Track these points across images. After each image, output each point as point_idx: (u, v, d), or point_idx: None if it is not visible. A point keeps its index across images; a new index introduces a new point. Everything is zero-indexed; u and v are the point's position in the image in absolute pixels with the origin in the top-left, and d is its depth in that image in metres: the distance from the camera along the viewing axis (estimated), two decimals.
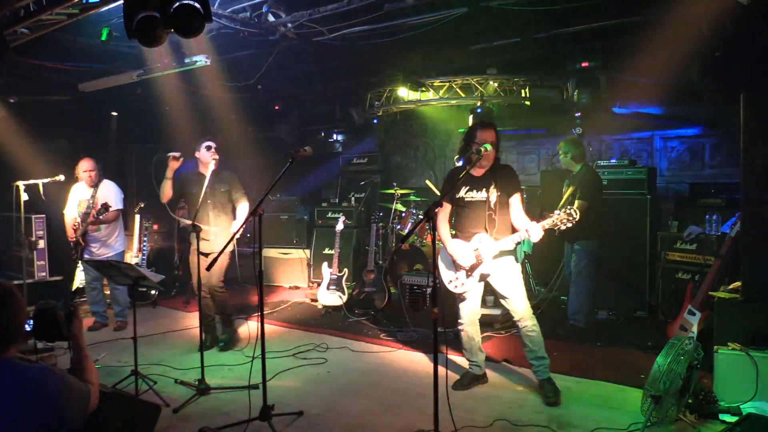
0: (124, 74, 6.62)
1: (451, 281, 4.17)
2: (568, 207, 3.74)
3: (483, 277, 4.05)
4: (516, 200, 4.02)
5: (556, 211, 3.76)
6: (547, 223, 3.78)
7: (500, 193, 4.00)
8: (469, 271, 4.05)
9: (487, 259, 3.97)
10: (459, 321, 4.29)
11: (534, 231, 3.76)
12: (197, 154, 5.23)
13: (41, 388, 1.92)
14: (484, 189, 4.03)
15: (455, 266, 4.12)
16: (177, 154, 5.04)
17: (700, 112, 6.77)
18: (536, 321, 4.05)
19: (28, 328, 2.25)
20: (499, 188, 4.00)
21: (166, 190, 5.11)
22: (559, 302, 6.20)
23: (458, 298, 4.24)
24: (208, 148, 5.16)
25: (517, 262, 4.10)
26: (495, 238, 3.96)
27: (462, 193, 4.12)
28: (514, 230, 3.98)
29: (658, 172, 6.92)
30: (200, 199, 4.89)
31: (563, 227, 3.76)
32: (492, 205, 3.99)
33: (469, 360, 4.38)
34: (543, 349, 4.06)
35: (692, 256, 5.61)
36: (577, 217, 3.70)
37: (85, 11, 4.48)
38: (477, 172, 4.08)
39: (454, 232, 4.26)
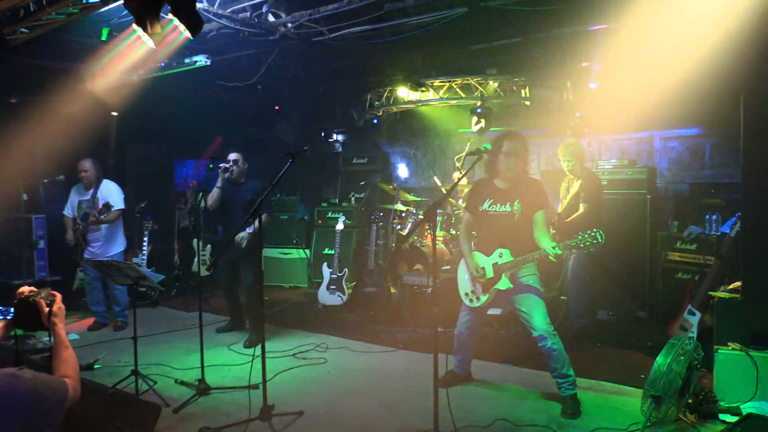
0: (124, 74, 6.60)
1: (467, 294, 4.08)
2: (594, 230, 3.58)
3: (500, 293, 3.93)
4: (540, 216, 3.85)
5: (581, 233, 3.62)
6: (569, 243, 3.65)
7: (525, 207, 3.86)
8: (486, 287, 3.94)
9: (506, 275, 3.85)
10: (458, 324, 4.26)
11: (556, 253, 3.63)
12: None
13: (9, 398, 1.86)
14: (509, 202, 3.90)
15: (473, 280, 4.02)
16: (227, 166, 5.45)
17: (700, 112, 6.77)
18: (557, 338, 3.82)
19: (9, 316, 2.23)
20: (523, 202, 3.86)
21: (215, 199, 5.52)
22: (560, 302, 6.19)
23: (468, 307, 4.15)
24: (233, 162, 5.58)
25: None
26: (516, 254, 3.82)
27: (486, 205, 3.98)
28: (536, 247, 3.79)
29: (658, 172, 6.91)
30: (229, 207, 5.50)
31: (586, 251, 3.66)
32: (515, 220, 3.86)
33: (455, 360, 4.36)
34: (567, 365, 3.83)
35: (692, 256, 5.61)
36: (602, 242, 3.57)
37: (85, 11, 4.48)
38: (502, 184, 3.97)
39: (475, 245, 4.14)
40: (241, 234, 5.32)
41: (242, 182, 5.64)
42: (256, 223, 5.25)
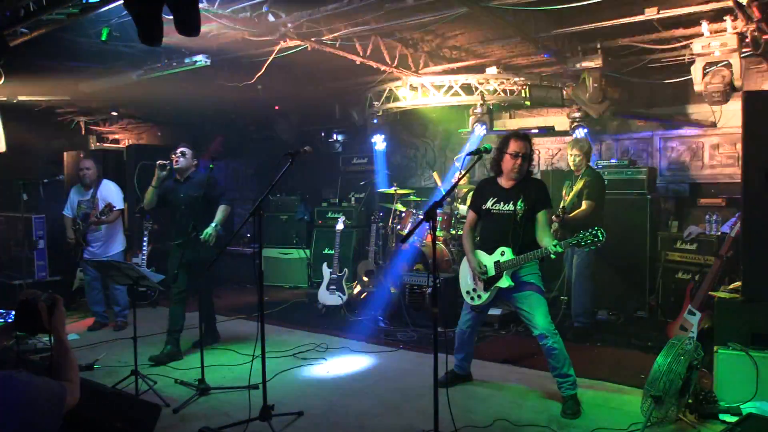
0: (124, 74, 6.61)
1: (468, 292, 4.10)
2: (595, 228, 3.57)
3: (502, 292, 3.94)
4: (542, 216, 3.88)
5: (582, 231, 3.61)
6: (570, 241, 3.63)
7: (527, 207, 3.88)
8: (488, 284, 3.96)
9: (507, 273, 3.86)
10: (460, 323, 4.27)
11: (557, 251, 3.63)
12: None
13: (4, 400, 1.84)
14: (512, 202, 3.92)
15: (474, 278, 4.05)
16: (165, 163, 5.10)
17: (699, 112, 6.77)
18: (558, 337, 3.84)
19: (10, 318, 2.21)
20: (526, 202, 3.88)
21: (149, 200, 5.19)
22: (559, 302, 6.20)
23: (470, 305, 4.16)
24: (180, 154, 5.22)
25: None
26: (518, 252, 3.83)
27: (489, 204, 4.02)
28: (537, 245, 3.80)
29: (658, 172, 6.91)
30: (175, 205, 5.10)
31: (587, 248, 3.66)
32: (518, 219, 3.88)
33: (456, 359, 4.37)
34: (567, 365, 3.85)
35: (692, 256, 5.61)
36: (603, 240, 3.56)
37: (85, 11, 4.46)
38: (506, 183, 4.01)
39: (477, 243, 4.16)
40: (207, 230, 4.99)
41: (188, 177, 5.24)
42: (218, 216, 5.08)
